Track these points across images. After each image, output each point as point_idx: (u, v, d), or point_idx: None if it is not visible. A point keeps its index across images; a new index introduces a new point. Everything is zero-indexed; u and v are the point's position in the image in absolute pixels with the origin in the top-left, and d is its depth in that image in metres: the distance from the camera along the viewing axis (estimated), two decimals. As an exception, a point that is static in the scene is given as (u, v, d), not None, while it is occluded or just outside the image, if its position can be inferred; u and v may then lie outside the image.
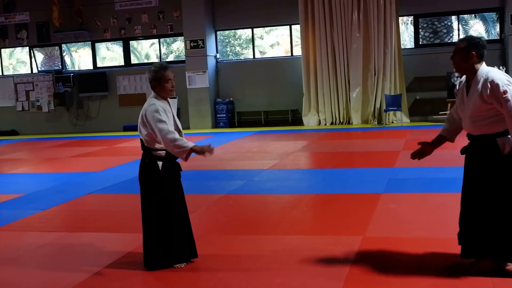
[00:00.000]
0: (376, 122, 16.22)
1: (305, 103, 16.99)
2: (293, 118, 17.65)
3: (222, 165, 10.33)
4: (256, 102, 17.89)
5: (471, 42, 4.32)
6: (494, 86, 4.14)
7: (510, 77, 4.26)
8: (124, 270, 4.85)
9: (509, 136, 4.18)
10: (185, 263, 4.83)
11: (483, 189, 4.28)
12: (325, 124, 16.80)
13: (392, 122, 16.29)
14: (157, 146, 4.72)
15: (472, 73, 4.31)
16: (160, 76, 4.71)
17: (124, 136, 16.63)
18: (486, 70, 4.27)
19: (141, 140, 4.81)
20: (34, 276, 4.88)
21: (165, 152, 4.74)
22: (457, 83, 4.56)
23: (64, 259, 5.28)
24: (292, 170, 9.64)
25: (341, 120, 16.80)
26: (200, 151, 4.62)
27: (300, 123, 17.24)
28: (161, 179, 4.72)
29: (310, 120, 16.97)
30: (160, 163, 4.72)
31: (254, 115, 18.04)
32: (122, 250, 5.32)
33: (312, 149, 12.21)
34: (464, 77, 4.46)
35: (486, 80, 4.20)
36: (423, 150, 4.76)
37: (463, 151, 4.47)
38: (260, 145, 12.86)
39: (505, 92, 4.11)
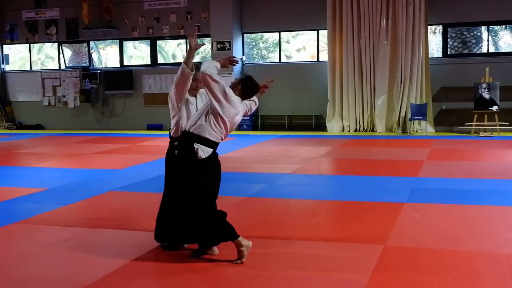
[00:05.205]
0: (400, 131, 16.10)
1: (330, 109, 16.93)
2: (317, 123, 17.58)
3: (244, 167, 10.32)
4: (280, 106, 17.85)
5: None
6: None
7: None
8: (143, 268, 4.87)
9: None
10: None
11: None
12: (349, 131, 16.71)
13: (417, 132, 16.15)
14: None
15: None
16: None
17: (147, 135, 16.72)
18: None
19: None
20: (55, 270, 4.92)
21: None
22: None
23: (85, 254, 5.31)
24: (314, 175, 9.59)
25: (365, 128, 16.71)
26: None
27: (324, 128, 17.18)
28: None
29: (333, 126, 16.90)
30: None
31: (277, 119, 18.00)
32: (142, 248, 5.33)
33: (335, 155, 12.15)
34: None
35: None
36: None
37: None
38: (283, 149, 12.83)
39: None
